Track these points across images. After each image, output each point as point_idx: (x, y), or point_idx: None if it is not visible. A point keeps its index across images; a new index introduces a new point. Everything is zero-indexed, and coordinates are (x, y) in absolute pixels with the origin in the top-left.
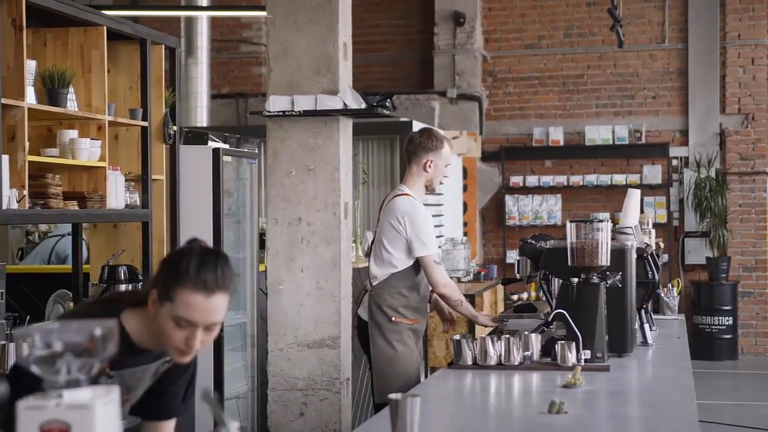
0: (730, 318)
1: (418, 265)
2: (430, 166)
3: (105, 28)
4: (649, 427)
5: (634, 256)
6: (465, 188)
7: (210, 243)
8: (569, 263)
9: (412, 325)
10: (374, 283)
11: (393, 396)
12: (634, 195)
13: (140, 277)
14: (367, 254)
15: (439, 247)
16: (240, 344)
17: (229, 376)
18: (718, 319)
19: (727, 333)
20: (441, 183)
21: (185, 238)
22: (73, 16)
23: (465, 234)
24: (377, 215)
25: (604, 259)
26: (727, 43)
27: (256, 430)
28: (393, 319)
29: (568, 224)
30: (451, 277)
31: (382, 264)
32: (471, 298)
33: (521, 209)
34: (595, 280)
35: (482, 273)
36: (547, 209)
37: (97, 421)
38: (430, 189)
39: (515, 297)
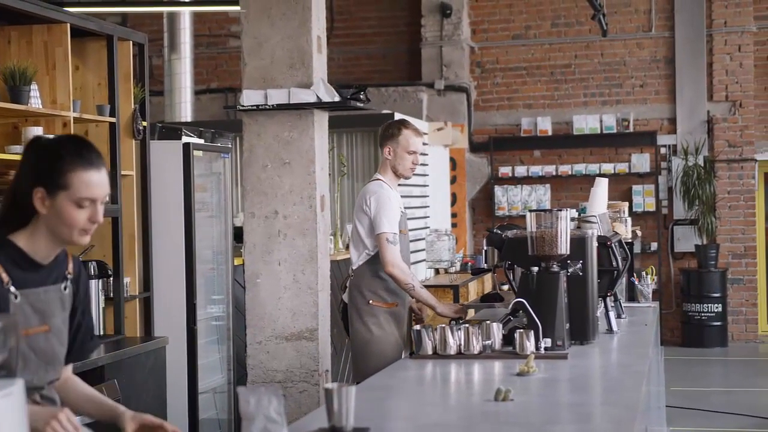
0: (720, 305)
1: None
2: (390, 153)
3: (68, 25)
4: (587, 413)
5: (595, 244)
6: (454, 179)
7: (182, 237)
8: (529, 252)
9: (390, 308)
10: (353, 268)
11: (327, 385)
12: (601, 184)
13: (110, 273)
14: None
15: (422, 239)
16: (216, 337)
17: (206, 368)
18: (708, 306)
19: (717, 320)
20: (412, 169)
21: (157, 233)
22: (36, 13)
23: (454, 225)
24: None
25: (564, 247)
26: (713, 30)
27: (233, 422)
28: (370, 302)
29: (527, 214)
30: (437, 269)
31: (358, 247)
32: (455, 288)
33: (510, 199)
34: (555, 268)
35: (469, 264)
36: (536, 199)
37: None
38: (400, 175)
39: (506, 287)
